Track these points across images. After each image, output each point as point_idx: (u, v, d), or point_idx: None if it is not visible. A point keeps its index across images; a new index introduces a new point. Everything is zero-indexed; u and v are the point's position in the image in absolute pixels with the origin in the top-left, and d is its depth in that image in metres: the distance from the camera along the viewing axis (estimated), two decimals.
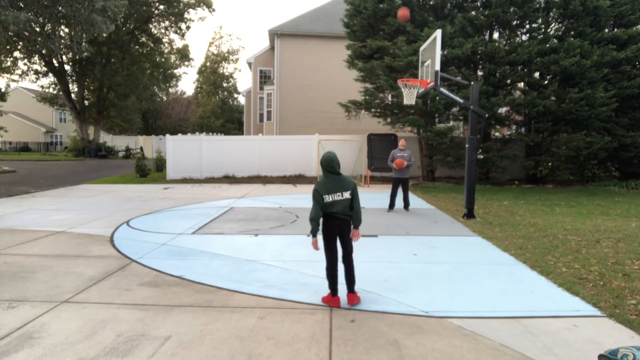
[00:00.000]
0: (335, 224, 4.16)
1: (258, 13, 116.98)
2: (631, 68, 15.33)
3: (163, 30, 36.16)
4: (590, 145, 14.59)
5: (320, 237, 4.22)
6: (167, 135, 18.39)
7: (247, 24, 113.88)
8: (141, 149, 38.19)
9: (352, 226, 4.26)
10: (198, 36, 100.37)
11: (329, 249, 4.24)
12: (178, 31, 35.56)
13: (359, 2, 16.45)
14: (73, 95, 35.68)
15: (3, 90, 32.41)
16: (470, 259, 5.97)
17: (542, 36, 15.33)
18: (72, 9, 15.64)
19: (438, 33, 8.64)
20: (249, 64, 28.10)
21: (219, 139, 20.83)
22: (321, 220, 4.19)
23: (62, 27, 19.36)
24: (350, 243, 4.30)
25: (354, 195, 4.18)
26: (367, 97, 17.20)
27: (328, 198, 4.10)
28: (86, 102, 37.07)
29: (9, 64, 30.98)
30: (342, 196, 4.11)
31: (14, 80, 34.79)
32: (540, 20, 15.31)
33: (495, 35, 16.41)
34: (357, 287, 4.71)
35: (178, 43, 59.32)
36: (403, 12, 9.37)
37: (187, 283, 4.88)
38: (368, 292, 4.59)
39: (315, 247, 4.15)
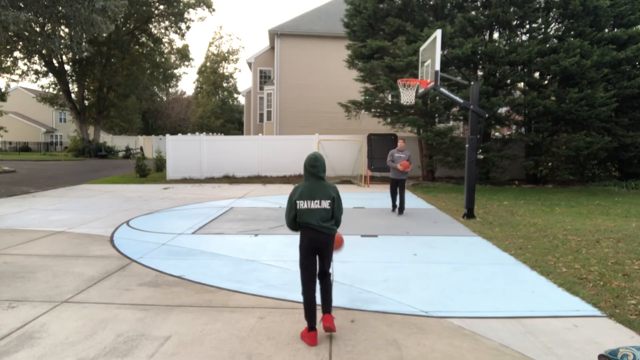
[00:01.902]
0: (312, 238, 3.51)
1: (258, 13, 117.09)
2: (631, 68, 15.33)
3: (163, 30, 36.20)
4: (590, 145, 14.59)
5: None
6: (167, 135, 18.40)
7: (247, 24, 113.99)
8: (141, 149, 38.20)
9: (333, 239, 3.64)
10: (198, 36, 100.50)
11: (304, 270, 3.58)
12: (178, 31, 35.59)
13: (359, 2, 16.45)
14: (73, 95, 35.69)
15: (3, 90, 32.43)
16: (470, 259, 5.97)
17: (542, 36, 15.34)
18: (72, 9, 15.63)
19: (438, 33, 8.64)
20: (249, 64, 28.10)
21: (219, 139, 20.84)
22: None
23: (62, 27, 19.34)
24: (327, 261, 3.63)
25: (336, 204, 3.58)
26: (367, 97, 17.20)
27: (303, 204, 3.51)
28: (86, 102, 37.09)
29: (9, 64, 30.98)
30: (320, 205, 3.50)
31: (14, 80, 34.83)
32: (540, 20, 15.32)
33: (495, 35, 16.42)
34: (357, 287, 4.71)
35: (178, 43, 59.36)
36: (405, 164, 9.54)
37: (187, 283, 4.87)
38: (368, 292, 4.59)
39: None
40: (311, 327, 3.48)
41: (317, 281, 3.62)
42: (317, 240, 3.52)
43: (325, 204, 3.52)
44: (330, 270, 3.83)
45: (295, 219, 3.56)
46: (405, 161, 9.37)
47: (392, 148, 11.54)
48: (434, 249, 6.50)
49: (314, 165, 3.57)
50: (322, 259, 3.61)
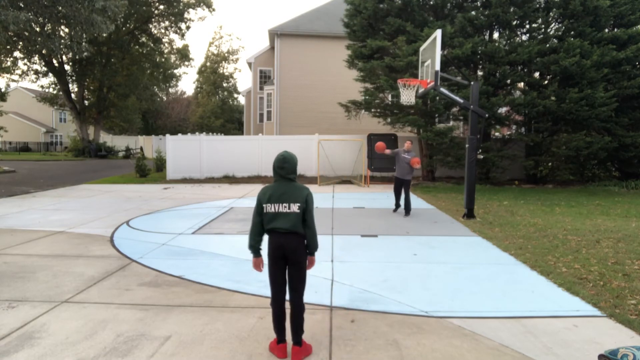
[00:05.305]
0: (279, 243, 3.18)
1: (258, 13, 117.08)
2: (631, 68, 15.32)
3: (163, 30, 36.18)
4: (590, 145, 14.59)
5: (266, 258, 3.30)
6: (167, 135, 18.40)
7: (247, 24, 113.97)
8: (141, 149, 38.19)
9: (307, 251, 3.30)
10: (198, 36, 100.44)
11: (272, 282, 3.27)
12: (178, 31, 35.58)
13: (359, 2, 16.45)
14: (73, 95, 35.68)
15: (3, 90, 32.41)
16: (470, 259, 5.97)
17: (542, 36, 15.34)
18: (72, 9, 15.63)
19: (438, 33, 8.64)
20: (249, 64, 28.10)
21: (219, 139, 20.84)
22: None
23: (62, 27, 19.36)
24: (297, 274, 3.24)
25: (307, 210, 3.22)
26: (367, 97, 17.20)
27: (270, 208, 3.19)
28: (86, 102, 37.08)
29: (9, 64, 30.98)
30: (289, 209, 3.17)
31: (14, 80, 34.81)
32: (540, 20, 15.32)
33: (495, 35, 16.42)
34: (357, 287, 4.70)
35: (178, 43, 59.37)
36: (380, 145, 9.36)
37: (187, 283, 4.87)
38: (368, 292, 4.59)
39: (257, 268, 3.32)
40: (280, 339, 3.27)
41: (288, 301, 3.30)
42: (285, 246, 3.18)
43: (295, 207, 3.18)
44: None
45: (261, 224, 3.24)
46: (417, 158, 9.22)
47: (392, 148, 11.48)
48: (433, 248, 6.50)
49: (282, 166, 3.25)
50: (290, 272, 3.25)
